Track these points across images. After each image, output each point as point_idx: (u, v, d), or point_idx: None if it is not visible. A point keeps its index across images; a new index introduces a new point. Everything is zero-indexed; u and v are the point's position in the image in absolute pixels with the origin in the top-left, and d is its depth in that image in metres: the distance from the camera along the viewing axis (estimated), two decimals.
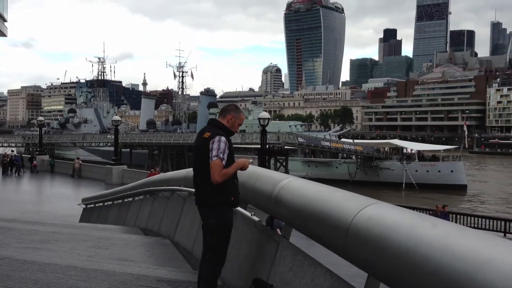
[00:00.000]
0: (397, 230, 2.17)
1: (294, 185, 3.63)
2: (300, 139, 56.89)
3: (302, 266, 3.34)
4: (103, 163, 45.33)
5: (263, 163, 24.38)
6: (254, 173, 4.39)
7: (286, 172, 53.88)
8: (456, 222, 18.12)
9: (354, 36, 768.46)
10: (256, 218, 4.38)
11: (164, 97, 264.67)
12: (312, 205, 3.09)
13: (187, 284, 4.74)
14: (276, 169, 53.18)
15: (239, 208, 4.53)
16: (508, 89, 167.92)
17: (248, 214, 4.52)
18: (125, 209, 13.40)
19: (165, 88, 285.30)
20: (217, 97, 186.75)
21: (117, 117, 35.77)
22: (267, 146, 50.97)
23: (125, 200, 13.60)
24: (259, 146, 30.19)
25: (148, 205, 10.68)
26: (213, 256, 3.96)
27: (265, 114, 23.33)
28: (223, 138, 3.92)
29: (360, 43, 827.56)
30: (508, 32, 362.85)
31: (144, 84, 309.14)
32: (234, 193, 4.03)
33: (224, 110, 4.23)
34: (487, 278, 1.61)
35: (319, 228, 3.03)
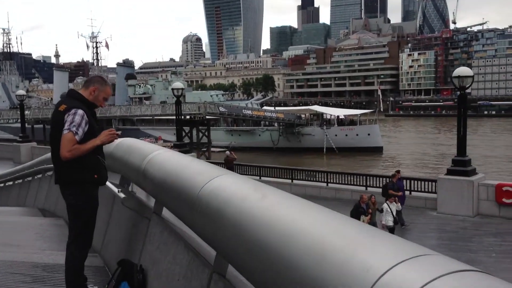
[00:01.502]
0: (231, 203, 1.98)
1: (160, 158, 3.40)
2: (222, 109, 56.58)
3: (167, 243, 3.13)
4: (14, 141, 42.65)
5: (179, 134, 23.92)
6: (128, 146, 4.11)
7: (209, 142, 53.64)
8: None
9: (273, 4, 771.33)
10: (122, 195, 4.06)
11: (80, 69, 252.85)
12: (170, 178, 2.90)
13: (64, 268, 4.40)
14: (199, 139, 52.75)
15: (111, 186, 4.20)
16: (419, 54, 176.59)
17: (115, 190, 4.19)
18: (25, 189, 12.59)
19: (80, 60, 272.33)
20: (136, 68, 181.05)
21: (21, 92, 33.56)
22: (189, 117, 50.73)
23: (26, 179, 12.77)
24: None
25: (46, 184, 10.04)
26: (77, 238, 3.65)
27: (179, 84, 22.79)
28: (79, 111, 3.54)
29: (279, 10, 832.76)
30: None
31: (57, 56, 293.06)
32: (98, 170, 3.67)
33: (88, 81, 3.85)
34: (291, 251, 1.46)
35: (175, 202, 2.83)
